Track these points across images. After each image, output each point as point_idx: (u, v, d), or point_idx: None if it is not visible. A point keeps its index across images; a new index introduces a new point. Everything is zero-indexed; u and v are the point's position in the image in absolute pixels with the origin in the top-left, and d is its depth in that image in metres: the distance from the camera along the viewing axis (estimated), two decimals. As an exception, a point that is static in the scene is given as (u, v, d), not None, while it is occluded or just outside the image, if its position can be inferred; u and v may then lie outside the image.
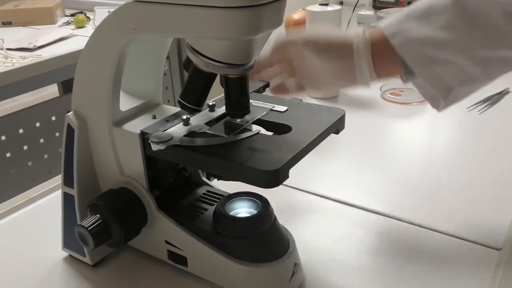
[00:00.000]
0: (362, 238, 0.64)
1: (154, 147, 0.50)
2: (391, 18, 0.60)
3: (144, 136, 0.53)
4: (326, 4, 1.11)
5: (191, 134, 0.52)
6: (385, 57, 0.59)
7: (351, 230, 0.66)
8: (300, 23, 1.19)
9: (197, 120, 0.55)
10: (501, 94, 1.07)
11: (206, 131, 0.53)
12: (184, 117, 0.54)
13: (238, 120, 0.55)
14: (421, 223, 0.66)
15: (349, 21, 2.19)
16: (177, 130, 0.53)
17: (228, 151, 0.50)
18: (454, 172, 0.80)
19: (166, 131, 0.52)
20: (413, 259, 0.60)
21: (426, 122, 1.01)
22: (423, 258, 0.60)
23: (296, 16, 1.22)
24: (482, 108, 1.02)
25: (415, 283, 0.57)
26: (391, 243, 0.63)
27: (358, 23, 1.83)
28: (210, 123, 0.55)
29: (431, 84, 0.60)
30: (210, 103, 0.57)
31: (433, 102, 0.62)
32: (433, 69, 0.58)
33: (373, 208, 0.70)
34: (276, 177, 0.45)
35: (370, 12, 1.78)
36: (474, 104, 1.03)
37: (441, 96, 0.60)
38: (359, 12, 1.85)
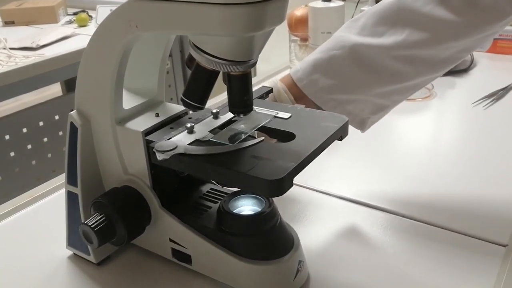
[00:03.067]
0: (366, 235, 0.64)
1: (159, 156, 0.51)
2: (299, 69, 0.70)
3: (149, 145, 0.53)
4: (329, 0, 1.10)
5: (195, 142, 0.52)
6: (304, 100, 0.69)
7: (355, 227, 0.66)
8: (303, 19, 1.19)
9: (201, 128, 0.55)
10: (506, 89, 1.07)
11: (210, 139, 0.53)
12: (188, 125, 0.54)
13: (242, 126, 0.55)
14: (426, 219, 0.66)
15: (352, 17, 2.18)
16: (182, 138, 0.53)
17: (232, 160, 0.50)
18: (459, 168, 0.79)
19: (170, 140, 0.53)
20: (418, 256, 0.60)
21: (431, 118, 1.01)
22: (428, 254, 0.60)
23: (299, 12, 1.21)
24: (487, 104, 1.02)
25: (420, 280, 0.56)
26: (396, 239, 0.63)
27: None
28: (214, 131, 0.55)
29: None
30: (214, 111, 0.57)
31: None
32: (344, 108, 0.69)
33: (377, 205, 0.70)
34: (280, 186, 0.45)
35: (373, 8, 1.77)
36: (479, 100, 1.03)
37: (356, 126, 0.72)
38: (362, 8, 1.84)
